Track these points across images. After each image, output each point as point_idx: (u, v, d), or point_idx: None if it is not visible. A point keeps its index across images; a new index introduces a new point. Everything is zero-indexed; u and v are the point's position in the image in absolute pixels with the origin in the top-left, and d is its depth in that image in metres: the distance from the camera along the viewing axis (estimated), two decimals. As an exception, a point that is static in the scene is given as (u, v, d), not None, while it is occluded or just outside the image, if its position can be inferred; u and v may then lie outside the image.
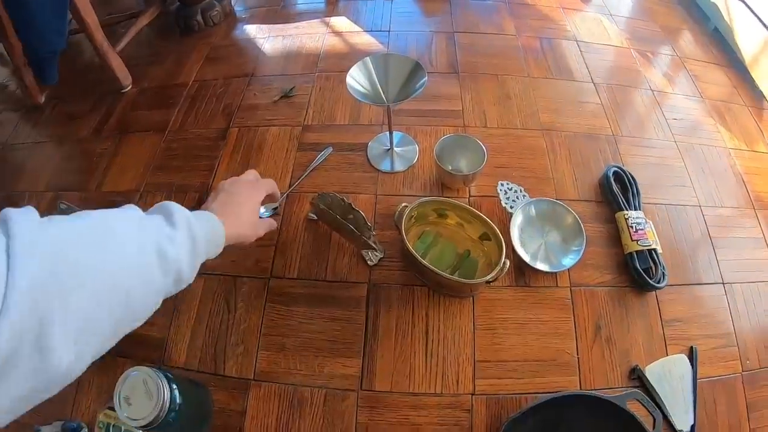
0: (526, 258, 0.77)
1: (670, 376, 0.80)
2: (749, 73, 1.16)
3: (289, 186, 0.85)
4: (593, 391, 0.74)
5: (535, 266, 0.76)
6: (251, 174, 0.66)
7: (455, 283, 0.69)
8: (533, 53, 1.06)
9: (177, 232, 0.44)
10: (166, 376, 0.58)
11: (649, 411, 0.71)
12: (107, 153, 0.98)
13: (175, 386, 0.58)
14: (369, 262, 0.77)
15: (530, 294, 0.77)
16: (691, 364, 0.82)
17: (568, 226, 0.81)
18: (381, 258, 0.77)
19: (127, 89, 1.07)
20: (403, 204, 0.72)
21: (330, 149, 0.86)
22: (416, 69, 0.74)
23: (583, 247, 0.79)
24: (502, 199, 0.81)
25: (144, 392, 0.54)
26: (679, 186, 0.95)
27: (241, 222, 0.60)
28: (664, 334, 0.81)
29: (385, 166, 0.88)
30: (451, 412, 0.69)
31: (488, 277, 0.66)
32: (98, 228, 0.38)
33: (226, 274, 0.79)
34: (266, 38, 1.07)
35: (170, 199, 0.83)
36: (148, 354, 0.75)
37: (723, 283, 0.89)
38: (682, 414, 0.77)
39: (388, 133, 0.84)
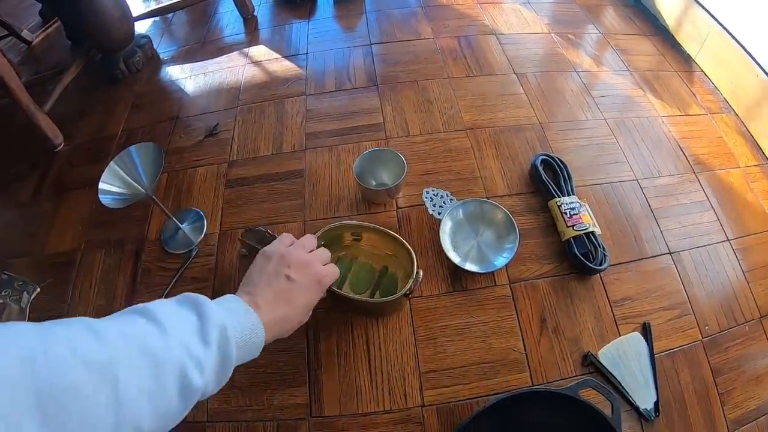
0: (459, 262, 0.77)
1: (626, 357, 0.79)
2: (674, 37, 1.16)
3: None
4: (544, 386, 0.74)
5: (469, 269, 0.76)
6: (327, 275, 0.57)
7: (372, 305, 0.69)
8: (452, 53, 1.07)
9: (208, 354, 0.38)
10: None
11: (605, 396, 0.70)
12: (47, 215, 0.99)
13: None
14: (301, 291, 0.76)
15: (468, 297, 0.77)
16: (646, 341, 0.81)
17: (500, 223, 0.81)
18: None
19: (59, 147, 1.08)
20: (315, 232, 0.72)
21: (195, 250, 0.86)
22: (155, 150, 0.80)
23: (517, 242, 0.79)
24: (428, 206, 0.81)
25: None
26: (614, 163, 0.95)
27: (288, 325, 0.52)
28: (614, 315, 0.80)
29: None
30: (404, 427, 0.70)
31: (403, 291, 0.66)
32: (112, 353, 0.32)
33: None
34: (188, 78, 1.09)
35: (108, 255, 0.84)
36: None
37: (670, 253, 0.89)
38: (643, 392, 0.77)
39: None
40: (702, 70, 1.19)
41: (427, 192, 0.85)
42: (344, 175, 0.90)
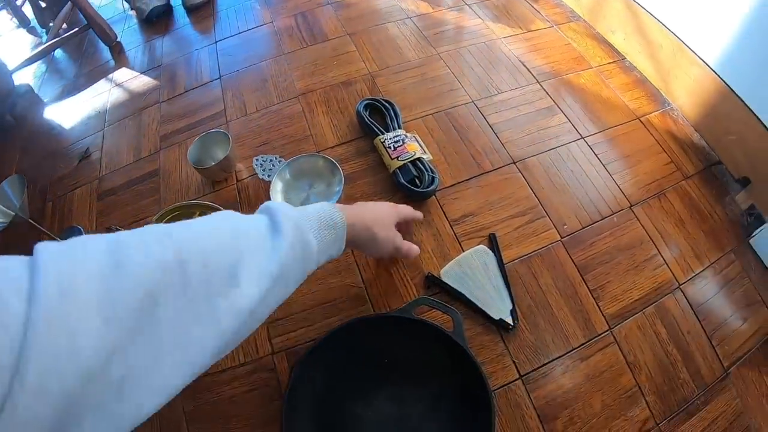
0: None
1: (471, 271, 0.79)
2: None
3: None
4: (380, 312, 0.74)
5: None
6: (399, 204, 0.66)
7: None
8: (288, 31, 1.12)
9: (280, 240, 0.41)
10: None
11: (443, 311, 0.70)
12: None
13: None
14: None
15: (303, 246, 0.79)
16: (493, 251, 0.80)
17: (324, 171, 0.84)
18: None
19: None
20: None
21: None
22: (19, 179, 0.90)
23: (342, 185, 0.81)
24: (259, 172, 0.85)
25: None
26: (448, 92, 0.96)
27: (368, 217, 0.56)
28: (456, 233, 0.81)
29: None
30: (259, 376, 0.72)
31: None
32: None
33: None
34: (65, 113, 1.17)
35: None
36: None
37: (514, 162, 0.89)
38: (497, 303, 0.77)
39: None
40: (547, -14, 1.18)
41: (257, 159, 0.89)
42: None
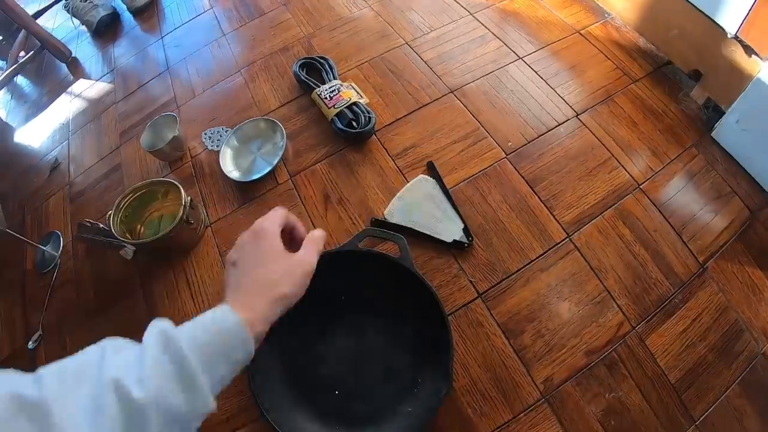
0: (241, 177, 0.84)
1: (414, 203, 0.82)
2: None
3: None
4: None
5: (233, 177, 0.83)
6: (257, 224, 0.49)
7: (162, 241, 0.76)
8: (227, 13, 1.17)
9: (143, 362, 0.35)
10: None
11: (389, 240, 0.73)
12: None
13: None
14: (127, 257, 0.86)
15: (256, 204, 0.85)
16: (435, 178, 0.81)
17: (268, 131, 0.89)
18: (134, 250, 0.86)
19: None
20: (109, 212, 0.81)
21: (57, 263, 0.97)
22: None
23: (284, 139, 0.85)
24: (208, 144, 0.90)
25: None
26: (381, 38, 1.00)
27: (274, 292, 0.44)
28: (398, 166, 0.85)
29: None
30: None
31: (177, 220, 0.75)
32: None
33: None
34: (33, 132, 1.25)
35: (4, 300, 0.97)
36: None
37: (452, 92, 0.92)
38: (448, 226, 0.79)
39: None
40: None
41: (205, 133, 0.94)
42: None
